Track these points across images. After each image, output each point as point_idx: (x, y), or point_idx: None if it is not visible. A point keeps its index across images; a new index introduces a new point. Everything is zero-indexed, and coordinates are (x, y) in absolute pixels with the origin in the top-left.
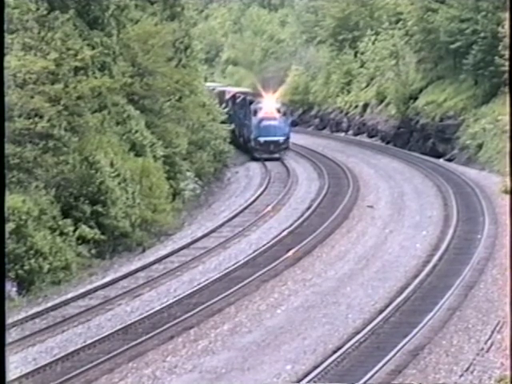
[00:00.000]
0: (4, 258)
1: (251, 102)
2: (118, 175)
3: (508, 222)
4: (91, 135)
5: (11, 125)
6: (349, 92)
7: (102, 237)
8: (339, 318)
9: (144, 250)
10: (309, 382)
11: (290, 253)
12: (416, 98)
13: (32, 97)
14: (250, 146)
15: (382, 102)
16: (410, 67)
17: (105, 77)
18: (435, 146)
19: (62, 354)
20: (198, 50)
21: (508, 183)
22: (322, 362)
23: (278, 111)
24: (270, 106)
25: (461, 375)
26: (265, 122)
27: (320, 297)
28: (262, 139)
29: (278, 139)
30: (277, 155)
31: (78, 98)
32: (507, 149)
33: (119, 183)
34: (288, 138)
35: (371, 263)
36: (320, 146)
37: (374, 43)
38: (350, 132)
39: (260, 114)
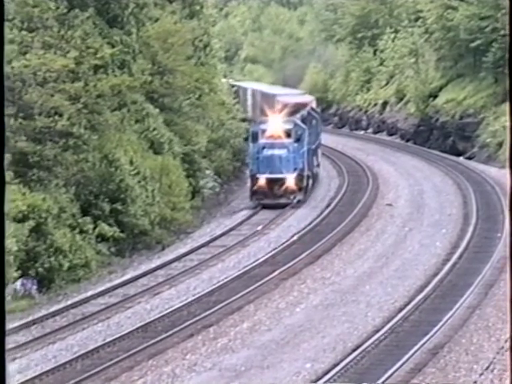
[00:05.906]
0: (4, 258)
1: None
2: (138, 173)
3: None
4: (111, 133)
5: (31, 123)
6: (368, 90)
7: (122, 235)
8: (358, 317)
9: (163, 248)
10: (328, 380)
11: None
12: (436, 96)
13: (52, 95)
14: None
15: (401, 99)
16: (429, 65)
17: (124, 75)
18: (455, 143)
19: (82, 352)
20: (218, 48)
21: None
22: (341, 361)
23: (288, 135)
24: (275, 126)
25: (481, 374)
26: (267, 152)
27: (339, 295)
28: (261, 176)
29: (284, 177)
30: (283, 200)
31: (98, 96)
32: None
33: (139, 181)
34: (302, 176)
35: (390, 261)
36: (339, 144)
37: (393, 41)
38: (370, 130)
39: (262, 139)
